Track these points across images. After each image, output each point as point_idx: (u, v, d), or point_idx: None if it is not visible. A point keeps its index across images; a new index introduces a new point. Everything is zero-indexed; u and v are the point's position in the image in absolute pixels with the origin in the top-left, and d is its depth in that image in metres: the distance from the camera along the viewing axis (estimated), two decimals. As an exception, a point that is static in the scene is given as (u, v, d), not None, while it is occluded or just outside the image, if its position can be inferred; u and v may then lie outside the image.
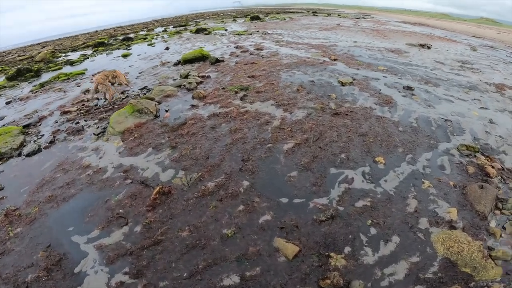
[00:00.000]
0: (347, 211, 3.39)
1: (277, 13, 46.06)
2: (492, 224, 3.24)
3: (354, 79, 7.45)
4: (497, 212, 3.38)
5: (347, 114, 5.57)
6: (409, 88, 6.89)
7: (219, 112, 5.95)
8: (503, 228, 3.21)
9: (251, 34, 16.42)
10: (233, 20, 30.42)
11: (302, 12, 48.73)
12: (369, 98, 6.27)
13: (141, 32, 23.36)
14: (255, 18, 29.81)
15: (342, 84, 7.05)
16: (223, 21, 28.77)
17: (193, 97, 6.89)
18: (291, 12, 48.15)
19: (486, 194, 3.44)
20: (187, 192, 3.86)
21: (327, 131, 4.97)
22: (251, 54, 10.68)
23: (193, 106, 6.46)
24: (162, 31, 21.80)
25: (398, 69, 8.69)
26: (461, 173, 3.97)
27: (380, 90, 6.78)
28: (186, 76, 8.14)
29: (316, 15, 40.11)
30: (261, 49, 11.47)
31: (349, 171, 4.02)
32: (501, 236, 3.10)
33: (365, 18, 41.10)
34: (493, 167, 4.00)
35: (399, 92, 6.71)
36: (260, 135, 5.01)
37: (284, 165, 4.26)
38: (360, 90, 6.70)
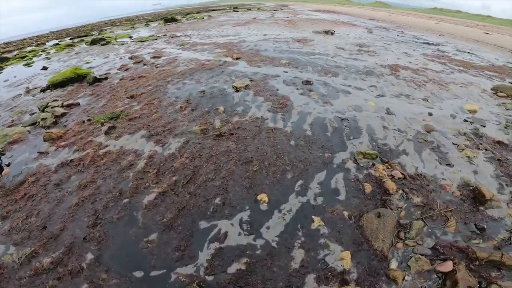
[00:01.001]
0: (218, 280, 2.22)
1: (198, 13, 43.38)
2: (393, 264, 2.36)
3: (252, 80, 6.32)
4: (399, 245, 2.52)
5: (232, 134, 4.35)
6: (307, 82, 6.07)
7: (71, 159, 4.16)
8: (407, 267, 2.35)
9: (156, 39, 14.22)
10: (146, 24, 27.09)
11: (224, 9, 46.93)
12: (263, 104, 5.17)
13: (28, 48, 18.77)
14: (170, 20, 27.03)
15: (237, 89, 5.84)
16: (133, 27, 25.28)
17: (44, 140, 4.88)
18: (213, 10, 45.96)
19: (384, 224, 2.57)
20: (19, 270, 2.41)
21: (203, 165, 3.66)
22: (144, 64, 8.77)
23: (41, 153, 4.52)
24: (53, 45, 17.79)
25: (301, 61, 7.92)
26: (358, 194, 3.08)
27: (278, 90, 5.78)
28: (44, 109, 5.96)
29: (236, 11, 38.89)
30: (159, 57, 9.61)
31: (224, 221, 2.80)
32: (404, 279, 2.24)
33: (282, 9, 41.48)
34: (393, 176, 3.22)
35: (297, 89, 5.80)
36: (117, 186, 3.47)
37: (142, 226, 2.90)
38: (255, 95, 5.58)
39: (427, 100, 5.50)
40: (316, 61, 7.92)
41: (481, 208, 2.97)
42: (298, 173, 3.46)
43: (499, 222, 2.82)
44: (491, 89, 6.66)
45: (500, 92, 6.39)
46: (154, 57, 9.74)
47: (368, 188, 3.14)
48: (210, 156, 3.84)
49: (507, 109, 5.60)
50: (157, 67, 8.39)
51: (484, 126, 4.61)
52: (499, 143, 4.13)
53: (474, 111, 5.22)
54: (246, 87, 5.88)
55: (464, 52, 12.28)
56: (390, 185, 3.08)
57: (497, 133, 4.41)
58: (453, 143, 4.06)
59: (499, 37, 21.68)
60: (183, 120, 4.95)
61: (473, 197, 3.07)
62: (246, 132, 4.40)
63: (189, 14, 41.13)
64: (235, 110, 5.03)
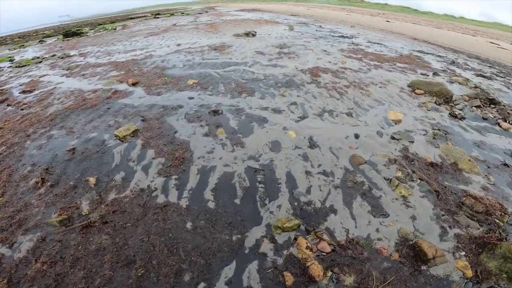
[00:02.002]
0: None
1: (112, 22, 38.18)
2: None
3: (144, 120, 4.66)
4: None
5: (106, 222, 2.77)
6: (215, 112, 4.72)
7: None
8: None
9: (41, 61, 11.06)
10: (40, 41, 22.11)
11: (145, 16, 42.33)
12: (152, 163, 3.63)
13: None
14: (71, 34, 22.62)
15: (120, 139, 4.13)
16: (23, 45, 20.31)
17: None
18: (131, 18, 41.03)
19: None
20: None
21: (68, 272, 2.25)
22: (8, 105, 6.29)
23: None
24: None
25: (213, 77, 6.55)
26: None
27: (176, 133, 4.27)
28: None
29: (157, 17, 35.36)
30: (31, 91, 7.06)
31: None
32: None
33: (207, 12, 39.42)
34: (320, 253, 2.19)
35: (202, 126, 4.41)
36: None
37: None
38: (144, 146, 3.98)
39: (351, 115, 4.73)
40: (231, 74, 6.66)
41: (424, 268, 2.35)
42: (198, 273, 2.18)
43: (445, 281, 2.22)
44: (408, 86, 6.37)
45: (417, 89, 6.11)
46: (24, 92, 7.15)
47: (289, 279, 2.06)
48: (76, 259, 2.25)
49: (428, 110, 5.22)
50: (22, 109, 5.99)
51: (413, 142, 3.99)
52: (432, 165, 3.51)
53: (399, 121, 4.65)
54: (134, 134, 4.21)
55: (375, 43, 12.61)
56: (316, 270, 2.13)
57: (427, 149, 3.83)
58: (385, 178, 3.26)
59: (398, 25, 23.99)
60: (38, 205, 3.11)
61: (414, 255, 2.46)
62: (126, 217, 2.84)
63: (101, 25, 35.87)
64: (112, 180, 3.36)
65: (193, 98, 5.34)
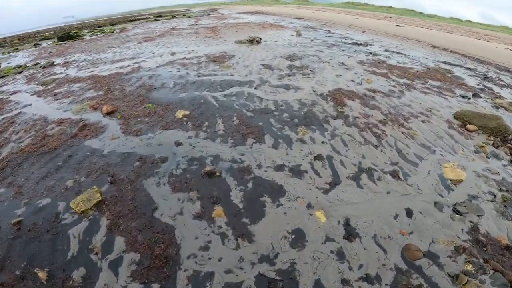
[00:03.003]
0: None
1: (112, 24, 37.02)
2: None
3: (112, 181, 3.24)
4: None
5: None
6: (211, 175, 3.26)
7: None
8: None
9: (22, 71, 9.73)
10: (35, 44, 20.85)
11: (147, 18, 41.09)
12: (122, 262, 2.37)
13: None
14: (66, 37, 21.35)
15: (81, 214, 2.72)
16: (17, 49, 19.08)
17: None
18: (132, 20, 39.88)
19: None
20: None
21: None
22: None
23: None
24: None
25: (210, 107, 5.13)
26: None
27: (155, 210, 2.84)
28: None
29: (158, 20, 34.09)
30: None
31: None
32: None
33: (209, 14, 38.09)
34: None
35: (192, 200, 2.96)
36: None
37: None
38: (111, 231, 2.63)
39: (398, 175, 3.33)
40: (233, 102, 5.24)
41: None
42: None
43: None
44: (456, 118, 4.94)
45: (468, 123, 4.70)
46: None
47: None
48: None
49: (488, 158, 3.83)
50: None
51: (482, 216, 2.67)
52: (508, 248, 2.37)
53: (459, 181, 3.29)
54: (98, 207, 2.81)
55: (393, 52, 11.17)
56: None
57: (499, 225, 2.82)
58: (449, 274, 2.38)
59: (410, 29, 22.47)
60: None
61: None
62: None
63: (101, 27, 34.64)
64: (69, 278, 2.22)
65: (181, 144, 3.91)
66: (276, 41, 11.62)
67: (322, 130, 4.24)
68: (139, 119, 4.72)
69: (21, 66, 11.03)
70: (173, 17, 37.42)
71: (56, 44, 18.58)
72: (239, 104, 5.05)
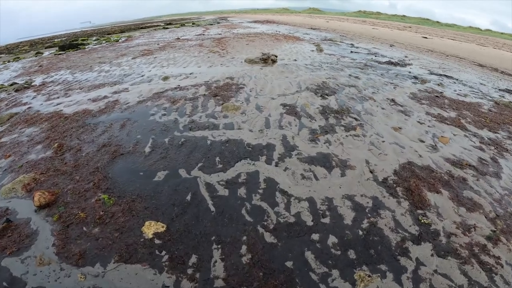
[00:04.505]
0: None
1: (122, 32, 35.87)
2: None
3: None
4: None
5: None
6: None
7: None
8: None
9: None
10: (37, 53, 19.35)
11: (157, 26, 39.86)
12: None
13: None
14: (68, 47, 19.77)
15: None
16: (18, 58, 17.56)
17: None
18: (143, 28, 38.70)
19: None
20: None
21: None
22: None
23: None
24: None
25: (200, 213, 2.78)
26: None
27: None
28: None
29: (166, 28, 32.67)
30: None
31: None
32: None
33: (219, 23, 36.52)
34: None
35: None
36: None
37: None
38: None
39: None
40: (241, 205, 2.90)
41: None
42: None
43: None
44: None
45: None
46: None
47: None
48: None
49: None
50: None
51: None
52: None
53: None
54: None
55: (441, 75, 8.71)
56: None
57: None
58: None
59: (439, 42, 19.86)
60: None
61: None
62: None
63: (110, 34, 33.45)
64: None
65: None
66: (295, 60, 9.35)
67: (398, 274, 1.92)
68: (84, 229, 2.50)
69: (12, 84, 9.11)
70: (182, 25, 35.94)
71: (55, 55, 16.93)
72: (251, 209, 2.73)
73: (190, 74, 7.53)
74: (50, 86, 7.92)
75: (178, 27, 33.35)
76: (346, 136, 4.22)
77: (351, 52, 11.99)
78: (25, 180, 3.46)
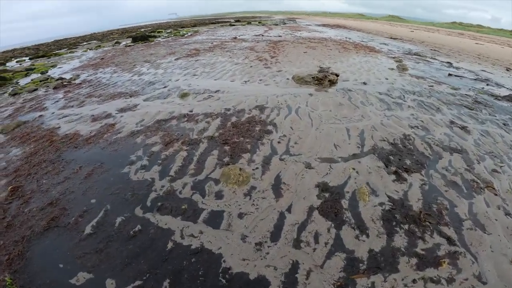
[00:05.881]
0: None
1: (194, 26, 37.43)
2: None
3: None
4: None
5: None
6: None
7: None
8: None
9: (36, 89, 7.75)
10: (116, 43, 21.03)
11: (226, 22, 40.55)
12: None
13: None
14: (140, 38, 20.80)
15: None
16: (99, 46, 19.26)
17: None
18: (213, 23, 39.83)
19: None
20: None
21: None
22: None
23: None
24: None
25: None
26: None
27: None
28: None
29: (233, 25, 32.51)
30: None
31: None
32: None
33: (285, 23, 34.58)
34: None
35: None
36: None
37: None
38: None
39: None
40: None
41: None
42: None
43: None
44: None
45: None
46: None
47: None
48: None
49: None
50: None
51: None
52: None
53: None
54: None
55: None
56: None
57: None
58: None
59: None
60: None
61: None
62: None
63: (184, 27, 35.10)
64: None
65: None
66: (364, 83, 6.68)
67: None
68: None
69: (45, 80, 9.25)
70: (249, 23, 35.25)
71: (125, 46, 17.82)
72: None
73: (216, 92, 5.80)
74: (82, 87, 7.34)
75: (244, 25, 32.66)
76: (418, 280, 1.79)
77: (449, 75, 8.45)
78: None
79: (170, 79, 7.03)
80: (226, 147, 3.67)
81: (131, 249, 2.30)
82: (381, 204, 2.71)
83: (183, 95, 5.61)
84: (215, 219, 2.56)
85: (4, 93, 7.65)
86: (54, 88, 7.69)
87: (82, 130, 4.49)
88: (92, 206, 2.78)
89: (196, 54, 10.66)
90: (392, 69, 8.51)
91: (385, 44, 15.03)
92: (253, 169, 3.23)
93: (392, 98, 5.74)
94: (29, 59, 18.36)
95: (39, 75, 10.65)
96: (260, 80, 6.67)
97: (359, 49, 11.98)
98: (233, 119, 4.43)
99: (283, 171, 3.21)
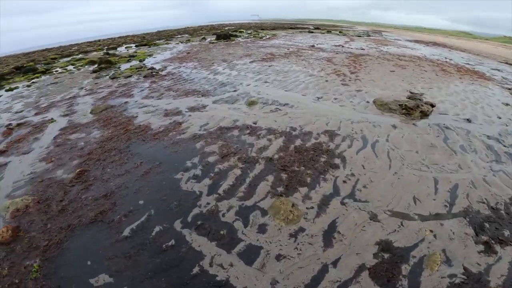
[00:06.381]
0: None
1: (273, 29, 38.27)
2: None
3: None
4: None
5: None
6: None
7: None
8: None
9: (131, 76, 9.07)
10: (202, 38, 23.24)
11: (305, 28, 40.12)
12: None
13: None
14: (223, 37, 22.36)
15: None
16: (189, 40, 21.66)
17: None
18: (291, 28, 39.99)
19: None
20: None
21: None
22: None
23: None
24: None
25: None
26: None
27: None
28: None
29: (312, 32, 31.80)
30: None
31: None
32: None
33: (370, 36, 31.75)
34: None
35: None
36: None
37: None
38: None
39: None
40: None
41: None
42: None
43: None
44: None
45: None
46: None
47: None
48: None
49: None
50: None
51: None
52: None
53: None
54: None
55: None
56: None
57: None
58: None
59: None
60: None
61: None
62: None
63: (263, 30, 36.25)
64: None
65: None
66: (468, 120, 5.22)
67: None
68: None
69: (137, 69, 10.67)
70: (328, 32, 33.79)
71: (210, 43, 19.41)
72: None
73: (285, 105, 5.42)
74: (165, 79, 8.09)
75: (323, 33, 31.45)
76: None
77: None
78: (19, 205, 3.06)
79: (241, 83, 7.03)
80: (283, 175, 3.23)
81: (158, 263, 2.16)
82: (451, 276, 2.10)
83: (251, 103, 5.43)
84: (250, 254, 2.25)
85: (107, 75, 9.12)
86: (144, 76, 8.71)
87: (154, 123, 4.78)
88: (138, 207, 2.78)
89: (270, 59, 10.55)
90: (508, 104, 6.50)
91: (498, 70, 11.90)
92: (307, 208, 2.74)
93: (505, 146, 4.25)
94: (135, 46, 21.90)
95: (137, 62, 12.42)
96: (335, 98, 5.96)
97: (464, 74, 9.74)
98: (298, 142, 3.96)
99: (341, 218, 2.62)
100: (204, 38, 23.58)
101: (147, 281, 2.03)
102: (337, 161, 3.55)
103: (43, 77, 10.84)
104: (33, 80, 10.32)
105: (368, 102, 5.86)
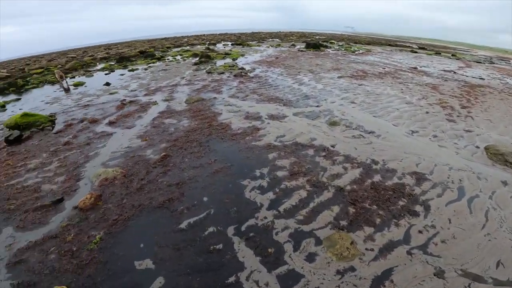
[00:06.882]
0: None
1: (368, 44, 35.70)
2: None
3: None
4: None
5: None
6: None
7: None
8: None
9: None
10: (292, 44, 23.81)
11: (407, 47, 35.76)
12: None
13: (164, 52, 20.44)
14: (312, 46, 22.25)
15: None
16: (280, 45, 22.61)
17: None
18: (390, 45, 36.34)
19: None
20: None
21: None
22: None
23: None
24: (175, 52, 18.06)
25: None
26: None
27: None
28: None
29: (415, 52, 28.00)
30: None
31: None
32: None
33: (493, 63, 25.45)
34: None
35: None
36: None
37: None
38: None
39: None
40: None
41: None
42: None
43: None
44: None
45: None
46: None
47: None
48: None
49: None
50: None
51: None
52: None
53: None
54: None
55: None
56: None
57: None
58: None
59: None
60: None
61: None
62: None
63: (357, 43, 34.32)
64: None
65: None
66: None
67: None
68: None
69: (240, 68, 11.68)
70: (437, 53, 28.86)
71: (299, 50, 19.69)
72: None
73: (370, 132, 4.91)
74: (252, 81, 8.60)
75: (430, 54, 27.12)
76: None
77: None
78: (109, 175, 3.57)
79: (325, 99, 6.78)
80: (351, 209, 2.93)
81: (200, 262, 2.28)
82: None
83: (332, 123, 5.16)
84: (289, 279, 2.17)
85: (204, 69, 10.37)
86: (234, 75, 9.48)
87: (234, 124, 5.14)
88: (201, 203, 3.01)
89: (361, 77, 9.79)
90: None
91: None
92: (366, 249, 2.40)
93: None
94: (231, 44, 24.19)
95: (231, 60, 13.68)
96: (435, 136, 5.01)
97: None
98: (376, 177, 3.51)
99: (400, 267, 2.20)
100: (293, 45, 23.93)
101: (183, 277, 2.17)
102: (418, 208, 2.98)
103: (157, 63, 13.27)
104: (149, 64, 12.77)
105: (478, 147, 4.68)
